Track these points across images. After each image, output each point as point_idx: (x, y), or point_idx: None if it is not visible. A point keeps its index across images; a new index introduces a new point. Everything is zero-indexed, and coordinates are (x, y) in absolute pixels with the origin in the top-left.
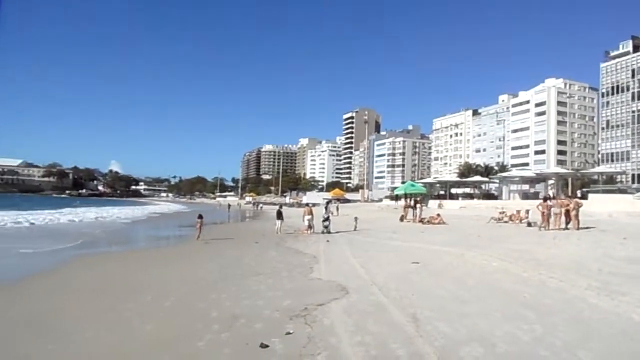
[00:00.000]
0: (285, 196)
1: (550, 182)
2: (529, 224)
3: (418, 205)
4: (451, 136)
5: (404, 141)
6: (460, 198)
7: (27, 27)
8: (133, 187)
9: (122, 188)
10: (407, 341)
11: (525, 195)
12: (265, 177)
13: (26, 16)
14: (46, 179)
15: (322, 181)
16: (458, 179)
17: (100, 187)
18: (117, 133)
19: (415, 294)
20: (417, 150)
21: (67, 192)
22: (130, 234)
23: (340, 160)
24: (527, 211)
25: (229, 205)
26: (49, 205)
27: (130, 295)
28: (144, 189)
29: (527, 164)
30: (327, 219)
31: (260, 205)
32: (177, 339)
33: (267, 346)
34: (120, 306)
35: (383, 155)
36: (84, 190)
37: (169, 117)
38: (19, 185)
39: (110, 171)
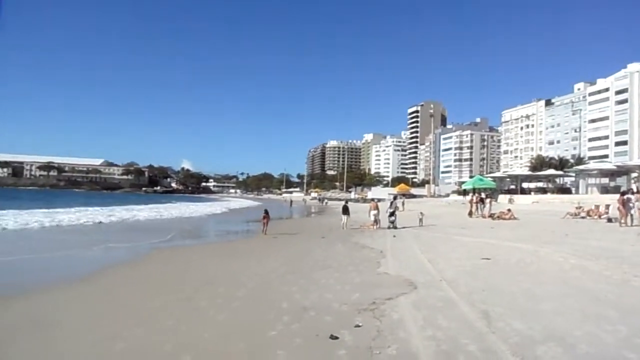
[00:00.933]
0: (350, 192)
1: (634, 175)
2: (609, 220)
3: (487, 200)
4: (522, 128)
5: (471, 134)
6: (532, 193)
7: (108, 29)
8: (203, 184)
9: (193, 185)
10: (479, 337)
11: (605, 189)
12: (330, 172)
13: (109, 16)
14: (125, 177)
15: (387, 176)
16: (530, 172)
17: (173, 184)
18: (189, 132)
19: (486, 290)
20: (485, 143)
21: (144, 189)
22: (204, 228)
23: (405, 155)
24: (607, 206)
25: (291, 201)
26: (131, 201)
27: (205, 286)
28: (214, 186)
29: (606, 156)
30: (393, 214)
31: (325, 200)
32: (249, 329)
33: (337, 338)
34: (196, 296)
35: (450, 149)
36: (158, 187)
37: (236, 116)
38: (101, 182)
39: (182, 169)
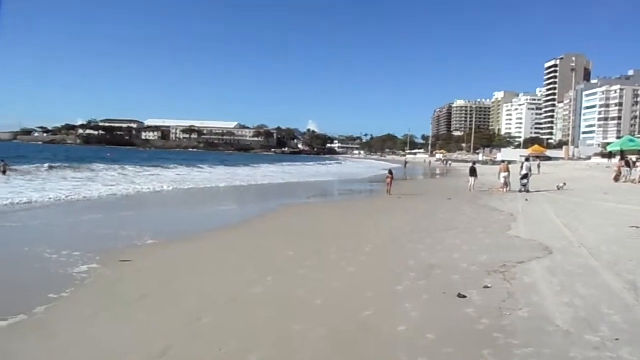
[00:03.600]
0: (478, 153)
1: None
2: None
3: (639, 164)
4: None
5: (621, 89)
6: None
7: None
8: (328, 145)
9: (319, 146)
10: (625, 309)
11: None
12: (457, 133)
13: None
14: (255, 138)
15: (519, 137)
16: None
17: (300, 146)
18: (315, 94)
19: (634, 260)
20: (638, 100)
21: (273, 150)
22: (329, 188)
23: (540, 114)
24: None
25: (406, 162)
26: (270, 161)
27: (333, 241)
28: (338, 147)
29: None
30: (525, 177)
31: (449, 162)
32: (377, 281)
33: (464, 297)
34: (325, 250)
35: (594, 107)
36: (286, 149)
37: (361, 76)
38: (235, 144)
39: (309, 130)
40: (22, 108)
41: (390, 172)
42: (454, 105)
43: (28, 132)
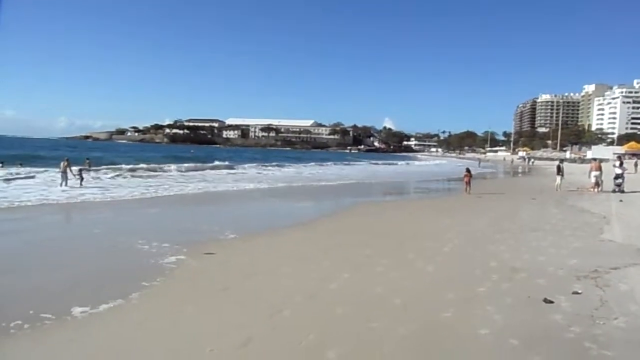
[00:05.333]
0: (564, 150)
1: None
2: None
3: None
4: None
5: None
6: None
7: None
8: (404, 142)
9: (395, 144)
10: None
11: None
12: (541, 130)
13: None
14: (332, 136)
15: (612, 133)
16: None
17: (375, 143)
18: (391, 91)
19: None
20: None
21: (348, 148)
22: (404, 186)
23: (637, 108)
24: None
25: (480, 160)
26: (344, 159)
27: (411, 239)
28: (415, 145)
29: None
30: (620, 176)
31: (532, 160)
32: (457, 282)
33: (551, 302)
34: (402, 248)
35: None
36: (362, 146)
37: (439, 73)
38: (311, 142)
39: (385, 128)
40: (117, 110)
41: (468, 170)
42: (538, 100)
43: (122, 131)
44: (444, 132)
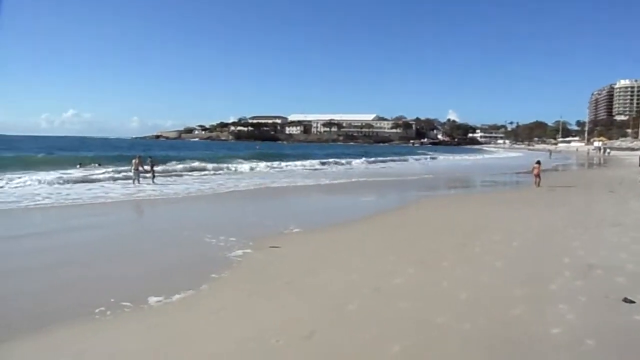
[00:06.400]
0: None
1: None
2: None
3: None
4: None
5: None
6: None
7: None
8: (470, 134)
9: (460, 136)
10: None
11: None
12: (620, 118)
13: None
14: (394, 130)
15: None
16: None
17: (439, 136)
18: (455, 82)
19: None
20: None
21: (411, 141)
22: (470, 178)
23: None
24: None
25: (550, 152)
26: (406, 153)
27: (477, 234)
28: (480, 137)
29: None
30: None
31: (608, 150)
32: (528, 278)
33: (632, 302)
34: (469, 243)
35: None
36: (425, 139)
37: (504, 61)
38: (373, 136)
39: (448, 120)
40: (185, 110)
41: (538, 162)
42: (616, 86)
43: (190, 130)
44: (511, 122)
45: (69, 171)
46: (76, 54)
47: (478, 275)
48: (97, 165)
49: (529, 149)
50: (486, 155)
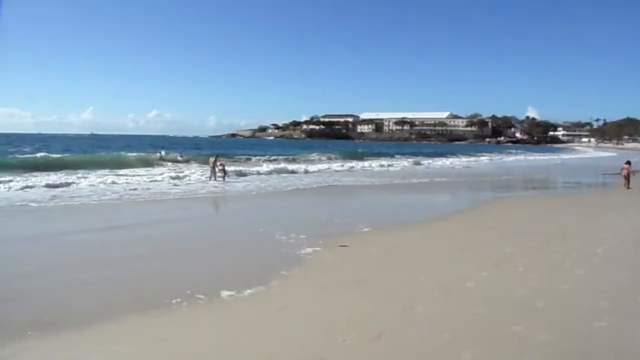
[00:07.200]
0: None
1: None
2: None
3: None
4: None
5: None
6: None
7: None
8: (550, 133)
9: (540, 134)
10: None
11: None
12: None
13: None
14: (468, 128)
15: None
16: None
17: (517, 134)
18: (534, 78)
19: None
20: None
21: (487, 140)
22: (550, 179)
23: None
24: None
25: None
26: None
27: (557, 238)
28: (562, 135)
29: None
30: None
31: None
32: (613, 289)
33: None
34: (547, 247)
35: None
36: (502, 138)
37: (588, 54)
38: (446, 135)
39: (527, 117)
40: (259, 109)
41: (628, 162)
42: None
43: (263, 129)
44: (597, 120)
45: (154, 169)
46: (160, 57)
47: (557, 282)
48: (180, 156)
49: (618, 148)
50: (574, 155)
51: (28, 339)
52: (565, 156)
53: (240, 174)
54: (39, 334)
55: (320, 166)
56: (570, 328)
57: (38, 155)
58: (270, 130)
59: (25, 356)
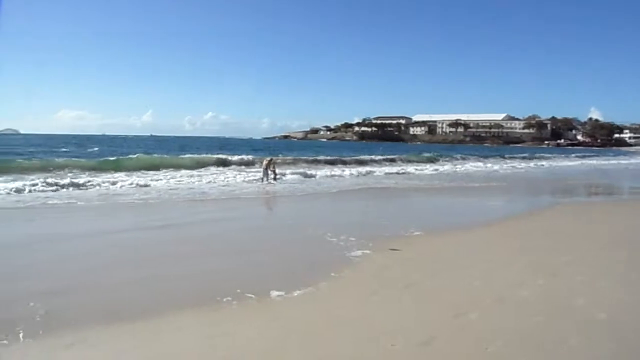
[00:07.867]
0: None
1: None
2: None
3: None
4: None
5: None
6: None
7: None
8: (616, 135)
9: (603, 137)
10: None
11: None
12: None
13: None
14: (526, 130)
15: None
16: None
17: (578, 137)
18: (598, 76)
19: None
20: None
21: (546, 142)
22: (616, 184)
23: None
24: None
25: None
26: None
27: (621, 246)
28: (629, 138)
29: None
30: None
31: None
32: None
33: None
34: (611, 256)
35: None
36: (562, 140)
37: None
38: (503, 137)
39: (590, 119)
40: (311, 111)
41: None
42: None
43: (315, 131)
44: None
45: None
46: (217, 61)
47: (622, 294)
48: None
49: None
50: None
51: (88, 328)
52: (635, 160)
53: (294, 174)
54: (101, 326)
55: (370, 168)
56: (635, 345)
57: (134, 156)
58: (322, 132)
59: (83, 346)
